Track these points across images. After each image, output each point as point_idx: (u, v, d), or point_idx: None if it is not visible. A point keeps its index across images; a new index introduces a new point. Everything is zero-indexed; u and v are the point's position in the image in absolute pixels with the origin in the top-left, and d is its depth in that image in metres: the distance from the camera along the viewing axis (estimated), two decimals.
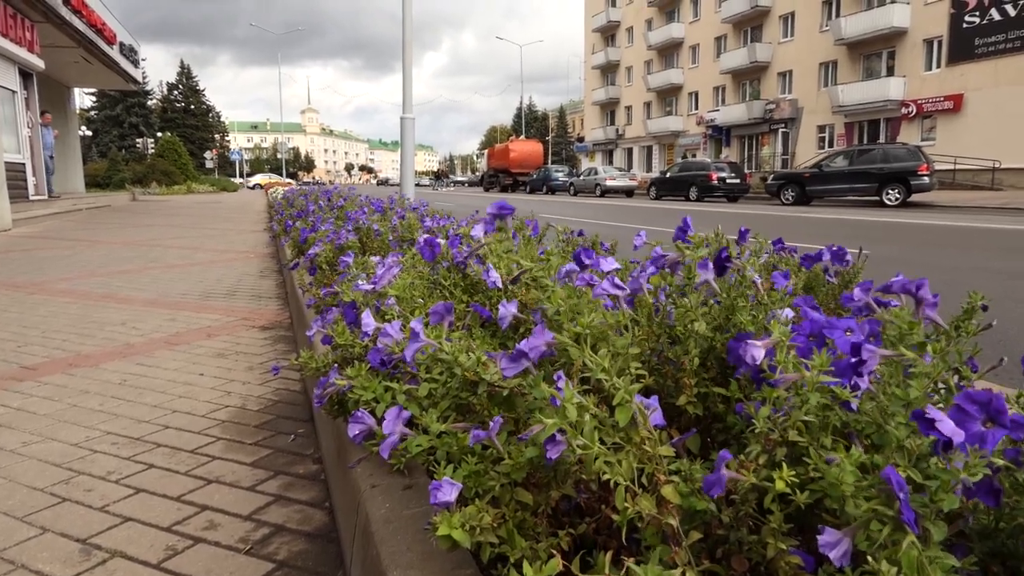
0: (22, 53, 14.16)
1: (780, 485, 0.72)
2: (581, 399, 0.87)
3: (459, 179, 74.18)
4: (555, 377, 0.91)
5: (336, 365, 1.44)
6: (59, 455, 2.16)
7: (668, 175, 27.14)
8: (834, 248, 1.52)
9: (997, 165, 25.22)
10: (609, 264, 1.27)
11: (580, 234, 2.12)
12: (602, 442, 0.86)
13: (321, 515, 1.79)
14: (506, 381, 1.03)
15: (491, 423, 0.92)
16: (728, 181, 23.95)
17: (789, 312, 1.08)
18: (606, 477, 0.81)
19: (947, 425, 0.82)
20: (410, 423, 1.22)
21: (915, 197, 18.44)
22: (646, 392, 1.12)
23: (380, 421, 1.06)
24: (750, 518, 0.78)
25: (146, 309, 4.57)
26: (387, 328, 1.20)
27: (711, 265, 1.27)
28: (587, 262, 1.37)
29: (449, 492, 0.94)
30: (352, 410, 1.23)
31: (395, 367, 1.33)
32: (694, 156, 41.33)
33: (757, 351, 0.94)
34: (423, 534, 1.19)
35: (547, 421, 0.81)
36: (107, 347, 3.54)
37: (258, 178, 59.80)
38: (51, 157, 16.62)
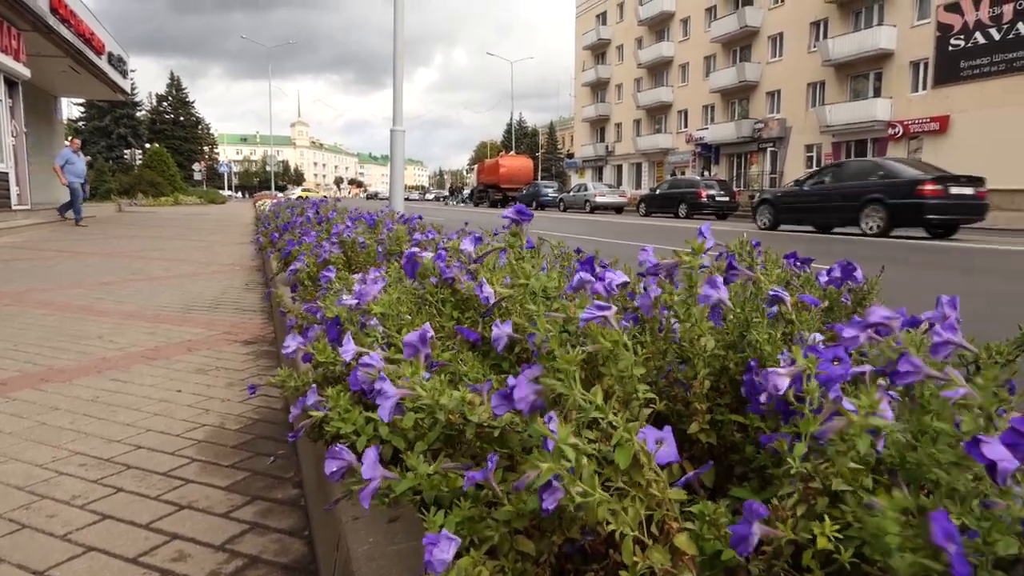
0: (8, 61, 14.02)
1: (823, 542, 0.63)
2: (577, 440, 0.77)
3: (444, 194, 74.22)
4: (546, 419, 0.80)
5: (315, 385, 1.34)
6: (23, 477, 2.03)
7: (658, 192, 27.21)
8: (844, 263, 1.44)
9: None
10: (619, 278, 1.18)
11: (578, 251, 2.03)
12: (606, 487, 0.76)
13: (300, 545, 1.67)
14: (497, 420, 0.92)
15: (487, 462, 0.81)
16: (717, 199, 24.03)
17: (819, 336, 0.98)
18: (611, 527, 0.71)
19: (995, 449, 0.72)
20: (395, 457, 1.12)
21: None
22: (658, 420, 1.02)
23: (361, 456, 0.95)
24: (784, 572, 0.68)
25: (125, 322, 4.43)
26: (365, 359, 1.09)
27: (721, 281, 1.18)
28: (584, 277, 1.28)
29: (447, 549, 0.82)
30: (330, 440, 1.13)
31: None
32: (683, 174, 41.53)
33: (780, 380, 0.85)
34: (410, 574, 1.09)
35: (542, 466, 0.71)
36: (81, 361, 3.41)
37: (297, 191, 62.28)
38: (84, 183, 15.79)
